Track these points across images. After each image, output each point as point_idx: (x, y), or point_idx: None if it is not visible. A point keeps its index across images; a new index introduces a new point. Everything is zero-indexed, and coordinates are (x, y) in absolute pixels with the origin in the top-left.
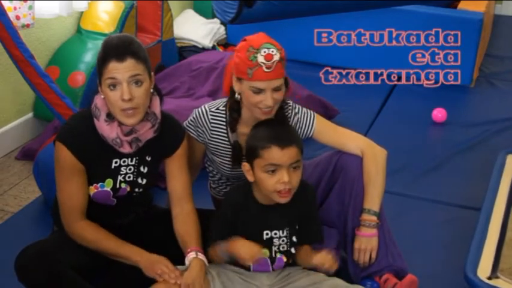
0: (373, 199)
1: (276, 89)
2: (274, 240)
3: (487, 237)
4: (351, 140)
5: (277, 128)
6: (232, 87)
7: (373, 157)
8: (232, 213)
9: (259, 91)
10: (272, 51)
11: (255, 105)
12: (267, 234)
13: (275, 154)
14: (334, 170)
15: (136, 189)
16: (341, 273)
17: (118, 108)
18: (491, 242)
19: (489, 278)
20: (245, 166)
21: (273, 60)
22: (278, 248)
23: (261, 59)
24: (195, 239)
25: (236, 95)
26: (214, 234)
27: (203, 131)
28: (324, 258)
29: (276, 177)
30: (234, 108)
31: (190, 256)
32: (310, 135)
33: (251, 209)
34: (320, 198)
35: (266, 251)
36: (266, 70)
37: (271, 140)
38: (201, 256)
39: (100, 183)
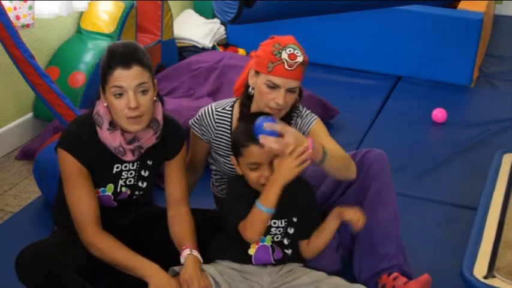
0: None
1: (290, 91)
2: (272, 229)
3: (483, 236)
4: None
5: None
6: (246, 84)
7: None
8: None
9: (274, 87)
10: (297, 53)
11: (265, 102)
12: None
13: (254, 152)
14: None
15: (137, 192)
16: (342, 273)
17: (123, 116)
18: (487, 242)
19: (485, 278)
20: (233, 160)
21: (295, 61)
22: (273, 238)
23: (284, 55)
24: (189, 237)
25: (250, 89)
26: (238, 209)
27: (208, 130)
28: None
29: (259, 172)
30: (246, 104)
31: (185, 253)
32: (305, 135)
33: (251, 198)
34: (336, 196)
35: (269, 238)
36: (287, 68)
37: (249, 138)
38: (196, 253)
39: (101, 188)
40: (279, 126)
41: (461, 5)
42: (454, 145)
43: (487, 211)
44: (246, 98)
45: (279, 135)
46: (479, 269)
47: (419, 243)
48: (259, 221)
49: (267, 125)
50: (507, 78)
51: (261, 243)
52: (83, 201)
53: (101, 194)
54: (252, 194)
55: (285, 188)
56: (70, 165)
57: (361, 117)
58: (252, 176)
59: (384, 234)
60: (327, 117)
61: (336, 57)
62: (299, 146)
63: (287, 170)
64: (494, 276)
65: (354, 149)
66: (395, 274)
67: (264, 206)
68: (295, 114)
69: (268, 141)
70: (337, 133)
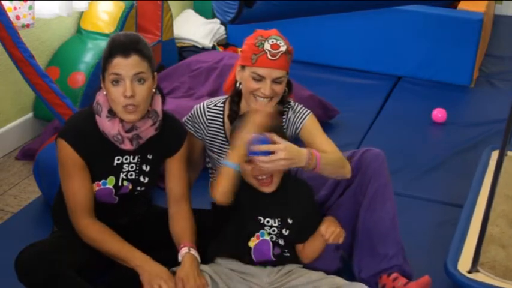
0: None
1: (277, 81)
2: (266, 228)
3: (468, 232)
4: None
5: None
6: (235, 82)
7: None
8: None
9: (259, 78)
10: (279, 43)
11: (252, 92)
12: (259, 219)
13: None
14: (353, 169)
15: (139, 188)
16: (341, 272)
17: (119, 105)
18: (472, 237)
19: (469, 272)
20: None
21: (278, 50)
22: (269, 236)
23: (267, 46)
24: (188, 236)
25: (238, 85)
26: None
27: (200, 127)
28: (330, 225)
29: (251, 165)
30: (235, 100)
31: (183, 251)
32: (298, 130)
33: (245, 191)
34: (335, 197)
35: (266, 233)
36: (270, 58)
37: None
38: (194, 252)
39: (102, 181)
40: (269, 146)
41: (461, 5)
42: (454, 145)
43: (474, 207)
44: (235, 94)
45: (270, 152)
46: (464, 264)
47: (419, 243)
48: (225, 177)
49: (254, 147)
50: (507, 78)
51: (261, 238)
52: (77, 190)
53: (102, 186)
54: (245, 189)
55: (281, 188)
56: (67, 155)
57: (361, 117)
58: (246, 168)
59: (383, 234)
60: (327, 117)
61: (336, 57)
62: (293, 159)
63: (254, 125)
64: (478, 271)
65: (354, 149)
66: (395, 274)
67: (229, 161)
68: (287, 109)
69: (260, 162)
70: (337, 133)
